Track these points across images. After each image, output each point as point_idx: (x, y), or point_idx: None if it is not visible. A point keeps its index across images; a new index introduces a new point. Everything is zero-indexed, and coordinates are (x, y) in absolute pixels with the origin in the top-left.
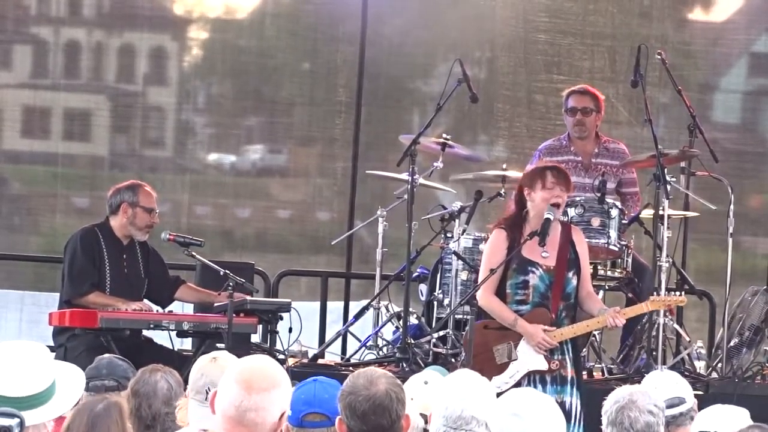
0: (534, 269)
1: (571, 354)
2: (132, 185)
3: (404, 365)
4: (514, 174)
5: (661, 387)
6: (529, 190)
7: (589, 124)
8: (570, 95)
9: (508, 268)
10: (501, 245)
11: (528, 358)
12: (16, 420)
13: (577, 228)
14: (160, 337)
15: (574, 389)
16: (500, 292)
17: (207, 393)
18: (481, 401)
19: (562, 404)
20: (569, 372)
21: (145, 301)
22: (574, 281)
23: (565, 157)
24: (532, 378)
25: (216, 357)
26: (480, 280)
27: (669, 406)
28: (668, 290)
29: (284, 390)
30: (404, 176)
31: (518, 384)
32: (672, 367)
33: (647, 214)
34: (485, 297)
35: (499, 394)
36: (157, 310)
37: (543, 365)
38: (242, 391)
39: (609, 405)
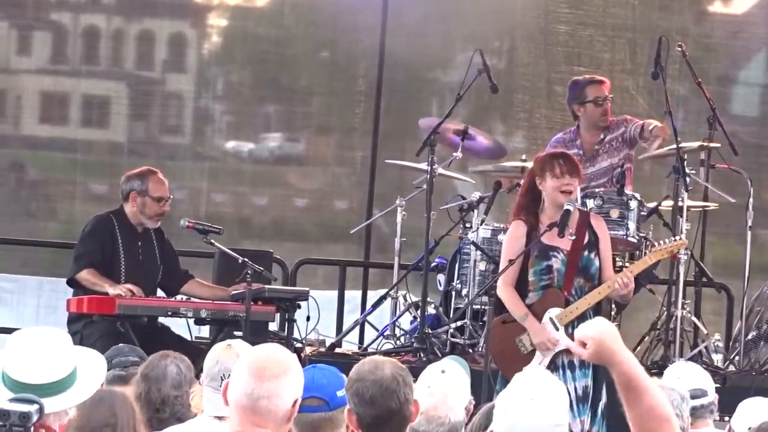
0: (556, 254)
1: None
2: (142, 173)
3: (421, 355)
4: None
5: (684, 378)
6: (540, 180)
7: (608, 111)
8: (588, 86)
9: (529, 257)
10: (519, 236)
11: None
12: (36, 406)
13: (597, 216)
14: (178, 325)
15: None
16: (524, 281)
17: (222, 380)
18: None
19: (588, 387)
20: None
21: (129, 285)
22: (597, 262)
23: (573, 151)
24: (560, 363)
25: (231, 344)
26: (501, 269)
27: (692, 397)
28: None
29: (296, 376)
30: (423, 166)
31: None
32: (689, 360)
33: (666, 206)
34: (501, 289)
35: None
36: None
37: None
38: (254, 379)
39: None
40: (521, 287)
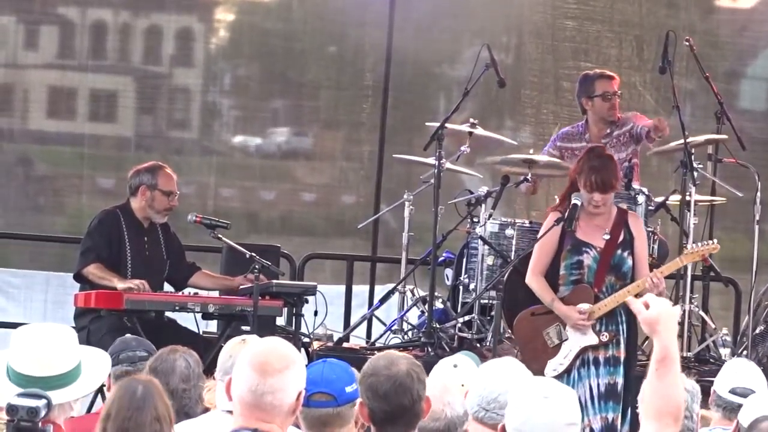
0: (588, 250)
1: (625, 334)
2: (152, 167)
3: (429, 350)
4: (541, 159)
5: (740, 373)
6: (579, 183)
7: (616, 106)
8: (597, 80)
9: (562, 250)
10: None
11: (578, 335)
12: (44, 401)
13: (635, 215)
14: (185, 319)
15: (623, 369)
16: (555, 274)
17: None
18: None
19: (614, 385)
20: (622, 353)
21: (137, 280)
22: (629, 261)
23: (580, 144)
24: (585, 359)
25: (245, 339)
26: (532, 260)
27: (740, 395)
28: (697, 242)
29: (298, 369)
30: (431, 160)
31: (572, 365)
32: (697, 354)
33: (674, 200)
34: (531, 277)
35: (556, 377)
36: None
37: (593, 340)
38: (257, 375)
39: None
40: (553, 280)
